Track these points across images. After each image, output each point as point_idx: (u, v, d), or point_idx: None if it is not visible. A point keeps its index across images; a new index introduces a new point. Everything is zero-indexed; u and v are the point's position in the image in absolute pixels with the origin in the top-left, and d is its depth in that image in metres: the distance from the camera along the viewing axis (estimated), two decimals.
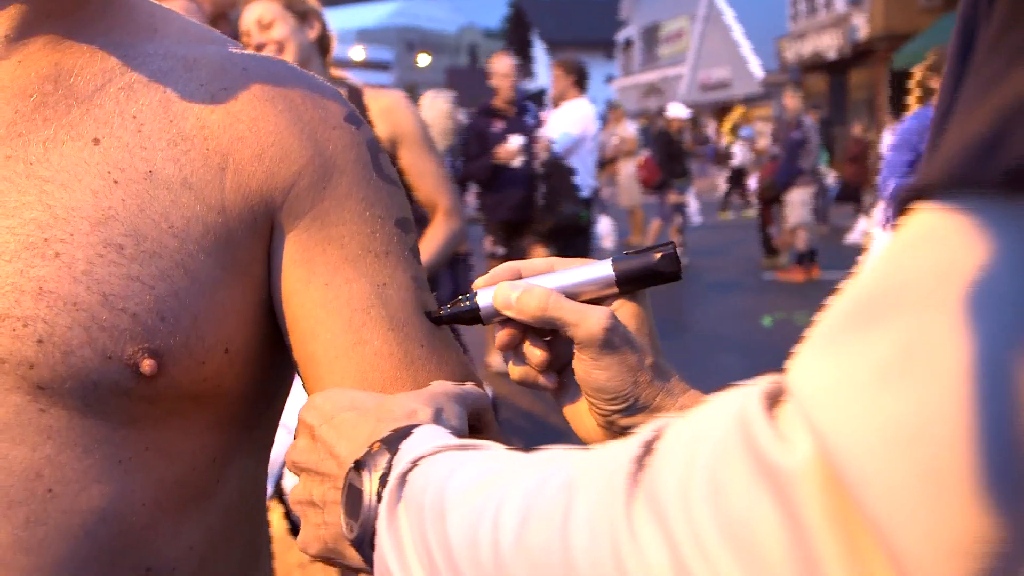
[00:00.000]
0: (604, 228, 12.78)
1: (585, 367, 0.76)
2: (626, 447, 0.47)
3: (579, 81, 6.89)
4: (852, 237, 14.28)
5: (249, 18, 2.75)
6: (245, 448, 0.88)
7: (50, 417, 0.74)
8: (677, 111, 13.08)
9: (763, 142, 15.02)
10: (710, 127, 30.29)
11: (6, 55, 0.78)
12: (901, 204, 0.38)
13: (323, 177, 0.83)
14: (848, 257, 11.90)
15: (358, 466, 0.66)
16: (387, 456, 0.65)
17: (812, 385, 0.37)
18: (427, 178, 2.92)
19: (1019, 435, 0.32)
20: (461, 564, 0.53)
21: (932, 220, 0.36)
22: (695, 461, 0.41)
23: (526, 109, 6.43)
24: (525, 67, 44.14)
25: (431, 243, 2.93)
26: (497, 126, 6.23)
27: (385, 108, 2.90)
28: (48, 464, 0.74)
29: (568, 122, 6.69)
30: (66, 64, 0.80)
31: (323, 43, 2.83)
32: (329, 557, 0.71)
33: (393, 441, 0.66)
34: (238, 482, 0.87)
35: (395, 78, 59.40)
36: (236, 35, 2.74)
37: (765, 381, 0.41)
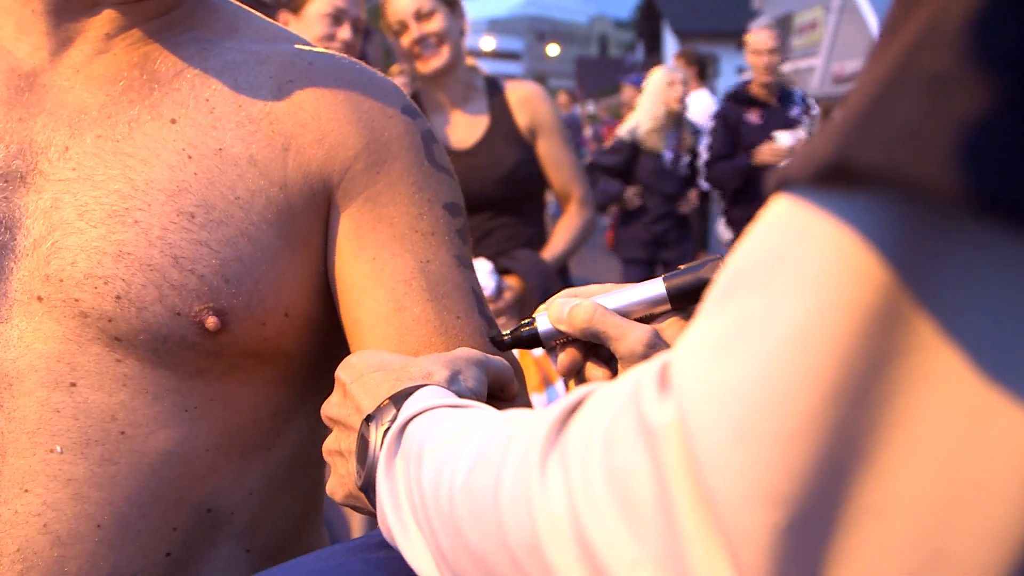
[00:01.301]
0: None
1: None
2: (558, 406, 0.50)
3: (701, 72, 6.80)
4: None
5: (404, 9, 2.77)
6: (305, 407, 0.95)
7: (125, 366, 0.82)
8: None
9: None
10: None
11: (105, 49, 0.88)
12: (769, 191, 0.41)
13: (377, 162, 0.90)
14: None
15: (368, 419, 0.72)
16: (393, 411, 0.71)
17: (679, 352, 0.41)
18: (563, 168, 2.95)
19: (816, 405, 0.35)
20: (429, 507, 0.58)
21: (781, 208, 0.39)
22: (599, 417, 0.45)
23: (791, 96, 5.38)
24: (655, 58, 43.87)
25: (564, 233, 2.98)
26: (754, 117, 5.14)
27: (524, 98, 2.93)
28: (122, 409, 0.82)
29: (691, 113, 6.62)
30: (153, 54, 0.89)
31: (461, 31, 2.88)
32: (352, 503, 0.77)
33: (400, 398, 0.72)
34: (297, 437, 0.95)
35: (525, 68, 59.67)
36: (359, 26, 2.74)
37: (673, 350, 0.44)
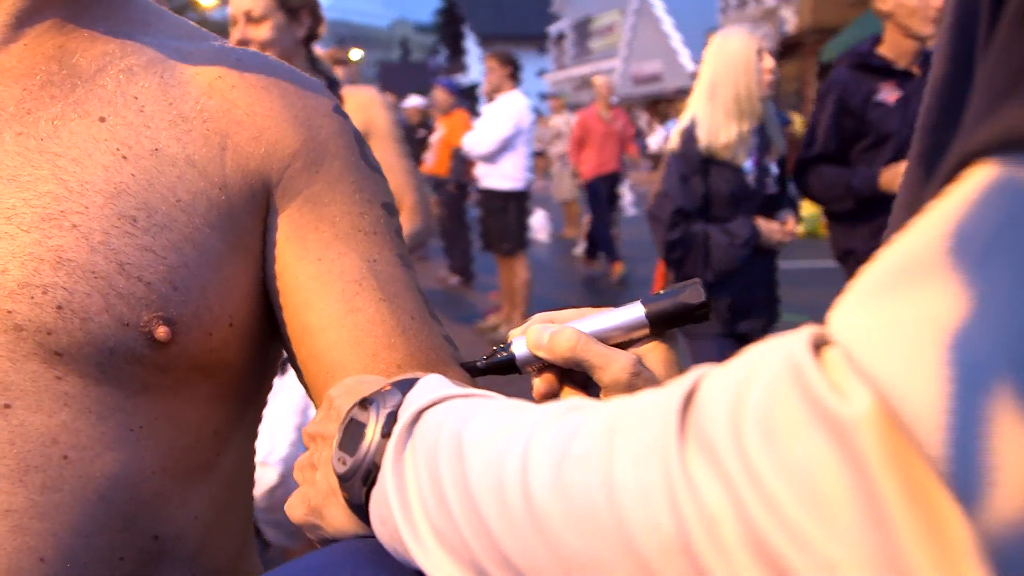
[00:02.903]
0: (538, 221, 12.81)
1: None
2: (668, 394, 0.47)
3: (514, 73, 6.89)
4: None
5: (239, 5, 2.71)
6: (242, 423, 0.92)
7: (66, 384, 0.76)
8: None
9: None
10: (642, 120, 30.49)
11: (14, 38, 0.83)
12: (955, 164, 0.39)
13: (316, 160, 0.88)
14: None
15: (364, 403, 0.67)
16: (398, 396, 0.66)
17: (863, 336, 0.37)
18: (395, 174, 2.92)
19: None
20: (484, 507, 0.53)
21: (997, 176, 0.37)
22: (744, 406, 0.41)
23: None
24: (458, 61, 44.10)
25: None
26: (889, 93, 3.34)
27: (361, 103, 2.92)
28: (64, 430, 0.76)
29: (502, 116, 6.70)
30: (68, 46, 0.84)
31: (311, 37, 2.83)
32: (309, 521, 0.73)
33: (404, 385, 0.67)
34: (236, 456, 0.91)
35: (310, 77, 59.03)
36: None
37: (806, 331, 0.41)
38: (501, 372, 0.81)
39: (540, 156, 13.51)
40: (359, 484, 0.65)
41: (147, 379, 0.79)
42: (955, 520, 0.35)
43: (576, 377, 0.79)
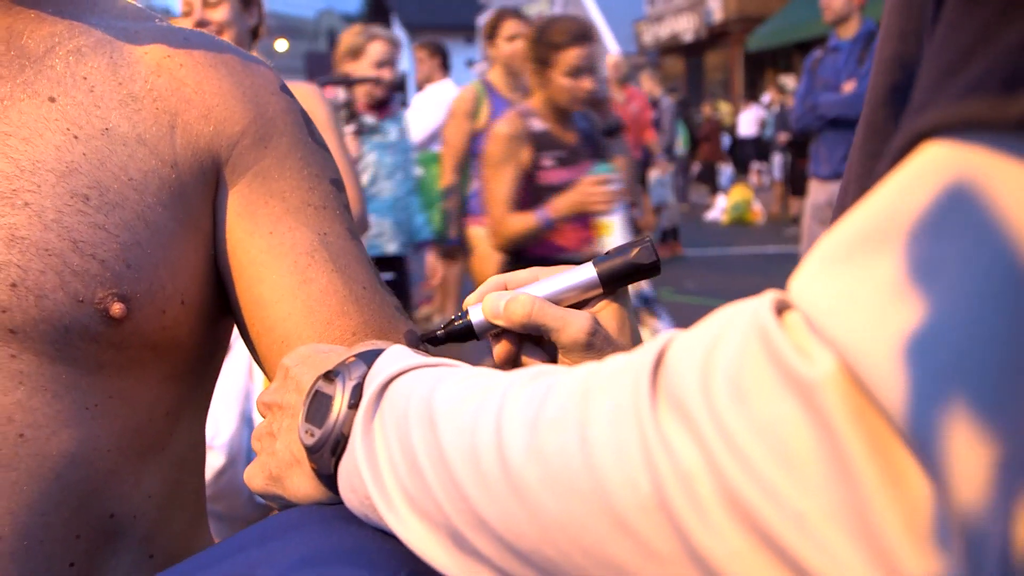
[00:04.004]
0: None
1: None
2: (639, 357, 0.48)
3: (444, 63, 6.87)
4: (711, 215, 14.61)
5: None
6: (193, 403, 0.92)
7: (21, 362, 0.76)
8: None
9: None
10: None
11: None
12: (907, 142, 0.42)
13: (265, 136, 0.89)
14: (709, 235, 12.15)
15: (329, 375, 0.69)
16: (363, 367, 0.67)
17: (823, 302, 0.40)
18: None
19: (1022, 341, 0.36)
20: (459, 472, 0.54)
21: (945, 154, 0.40)
22: (714, 367, 0.43)
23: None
24: None
25: None
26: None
27: (300, 96, 2.90)
28: (19, 409, 0.75)
29: (433, 106, 6.68)
30: (16, 27, 0.84)
31: (256, 31, 2.90)
32: (269, 490, 0.74)
33: (368, 356, 0.69)
34: (187, 436, 0.91)
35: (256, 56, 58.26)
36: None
37: (769, 295, 0.44)
38: (459, 340, 0.82)
39: None
40: (328, 455, 0.66)
41: (101, 357, 0.79)
42: (914, 472, 0.37)
43: (533, 340, 0.81)
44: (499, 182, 3.28)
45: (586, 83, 3.27)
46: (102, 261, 0.78)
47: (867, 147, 0.61)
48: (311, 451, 0.68)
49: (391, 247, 4.34)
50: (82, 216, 0.78)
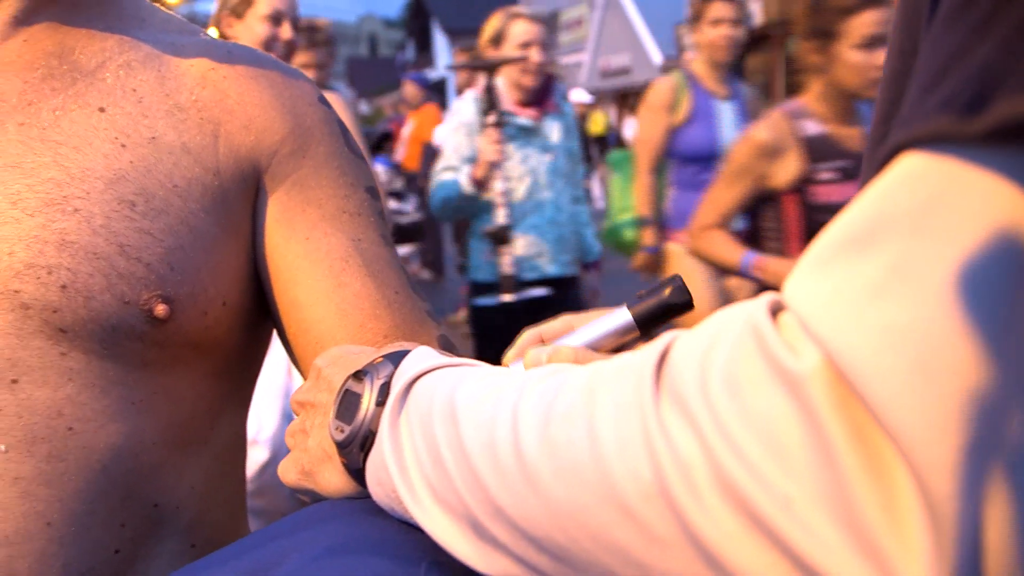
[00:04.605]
0: None
1: None
2: (642, 356, 0.51)
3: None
4: None
5: (290, 5, 2.91)
6: (234, 399, 0.96)
7: (71, 360, 0.80)
8: (579, 97, 13.19)
9: None
10: (611, 113, 30.50)
11: (12, 34, 0.87)
12: (889, 153, 0.45)
13: (303, 146, 0.93)
14: None
15: (358, 375, 0.72)
16: (390, 367, 0.70)
17: (811, 301, 0.43)
18: None
19: (995, 332, 0.39)
20: (479, 465, 0.57)
21: (921, 164, 0.43)
22: (711, 362, 0.46)
23: None
24: (425, 56, 43.99)
25: None
26: None
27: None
28: (69, 403, 0.80)
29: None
30: (68, 43, 0.88)
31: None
32: (302, 484, 0.76)
33: (395, 356, 0.71)
34: (228, 431, 0.95)
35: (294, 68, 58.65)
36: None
37: (766, 297, 0.47)
38: None
39: None
40: (357, 450, 0.69)
41: (146, 355, 0.83)
42: (892, 458, 0.40)
43: None
44: (725, 194, 2.82)
45: (880, 57, 2.50)
46: (147, 264, 0.82)
47: (871, 160, 0.63)
48: (341, 447, 0.71)
49: (552, 268, 3.72)
50: (129, 222, 0.82)
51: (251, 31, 2.81)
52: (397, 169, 7.06)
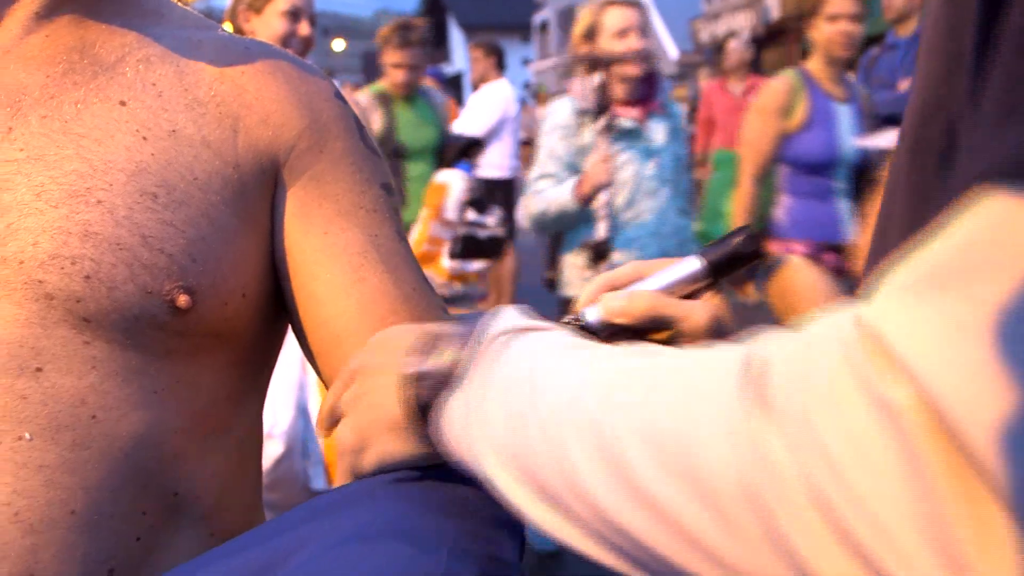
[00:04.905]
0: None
1: None
2: (732, 355, 0.52)
3: (499, 63, 6.91)
4: None
5: (303, 1, 2.92)
6: (253, 389, 0.97)
7: (94, 348, 0.81)
8: None
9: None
10: None
11: (35, 29, 0.88)
12: (970, 182, 0.45)
13: (320, 141, 0.95)
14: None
15: (435, 335, 0.71)
16: (474, 325, 0.70)
17: (905, 334, 0.43)
18: None
19: None
20: (561, 441, 0.57)
21: (1013, 203, 0.43)
22: (805, 378, 0.47)
23: None
24: (441, 51, 44.03)
25: None
26: None
27: None
28: (92, 392, 0.81)
29: (488, 104, 6.72)
30: (88, 38, 0.90)
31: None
32: (357, 446, 0.76)
33: (474, 318, 0.71)
34: (247, 420, 0.97)
35: (310, 63, 58.80)
36: None
37: (852, 312, 0.47)
38: None
39: (526, 145, 13.53)
40: (429, 390, 0.69)
41: (169, 344, 0.84)
42: (988, 495, 0.40)
43: (645, 337, 0.82)
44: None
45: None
46: (169, 255, 0.83)
47: (913, 162, 0.62)
48: (413, 380, 0.70)
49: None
50: (151, 213, 0.83)
51: (269, 26, 2.82)
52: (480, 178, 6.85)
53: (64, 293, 0.80)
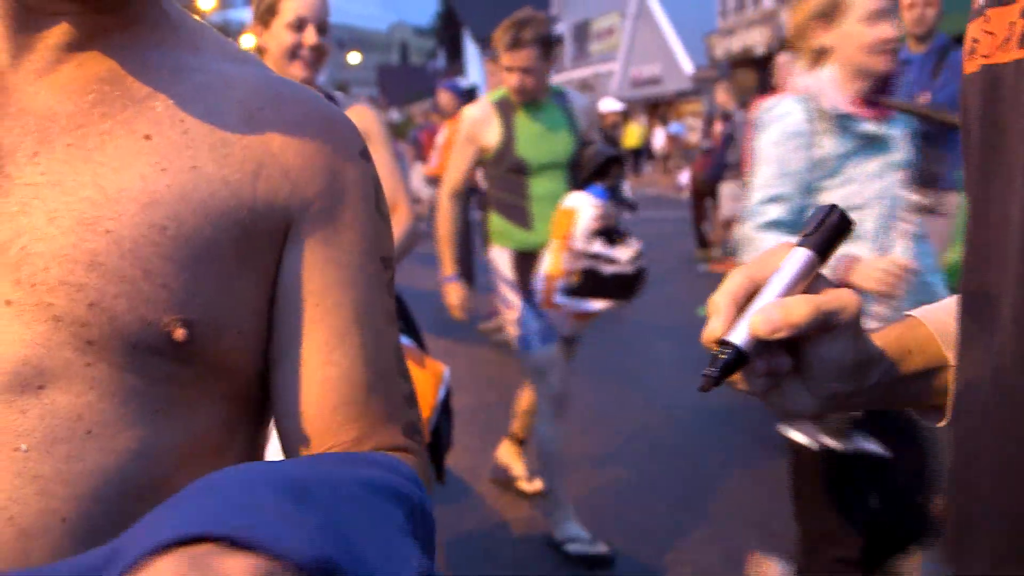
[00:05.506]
0: None
1: (845, 345, 0.78)
2: None
3: None
4: None
5: (314, 12, 2.91)
6: (249, 415, 0.99)
7: (95, 370, 0.84)
8: (610, 105, 13.20)
9: (694, 137, 15.17)
10: (642, 122, 30.45)
11: (66, 59, 0.89)
12: None
13: (334, 205, 0.96)
14: None
15: None
16: None
17: None
18: (387, 178, 3.04)
19: None
20: None
21: None
22: None
23: None
24: (456, 64, 44.08)
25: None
26: None
27: (355, 117, 3.06)
28: (89, 409, 0.84)
29: None
30: (121, 70, 0.91)
31: None
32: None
33: None
34: (244, 443, 0.98)
35: (326, 76, 59.02)
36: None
37: None
38: (734, 372, 0.77)
39: None
40: None
41: (167, 369, 0.88)
42: None
43: (786, 347, 0.80)
44: None
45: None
46: (170, 290, 0.86)
47: (987, 181, 0.62)
48: None
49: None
50: (156, 248, 0.85)
51: (277, 39, 2.86)
52: (621, 199, 6.03)
53: (70, 317, 0.83)
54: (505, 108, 3.95)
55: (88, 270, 0.83)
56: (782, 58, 7.01)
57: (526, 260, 3.93)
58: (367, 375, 0.95)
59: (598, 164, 3.91)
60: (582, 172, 3.94)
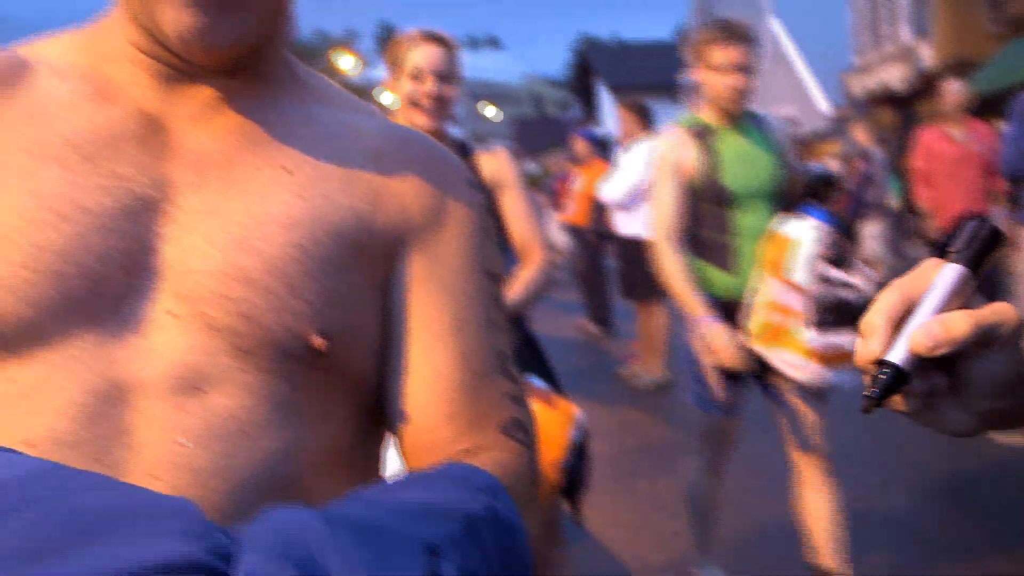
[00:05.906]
0: None
1: (1004, 360, 0.78)
2: None
3: (646, 122, 6.99)
4: None
5: (432, 63, 3.06)
6: (371, 423, 1.10)
7: (248, 375, 0.96)
8: None
9: None
10: None
11: (213, 109, 1.03)
12: None
13: (440, 223, 1.09)
14: None
15: None
16: None
17: None
18: (523, 220, 3.17)
19: None
20: None
21: None
22: None
23: None
24: (591, 113, 44.32)
25: (523, 283, 3.09)
26: None
27: (491, 156, 3.24)
28: (243, 411, 0.95)
29: (637, 164, 6.79)
30: (264, 120, 1.05)
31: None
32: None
33: None
34: (372, 446, 1.11)
35: (464, 130, 59.88)
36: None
37: None
38: (896, 391, 0.77)
39: None
40: None
41: (308, 377, 0.99)
42: None
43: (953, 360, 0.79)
44: None
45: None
46: (311, 303, 0.97)
47: None
48: None
49: None
50: (298, 265, 0.98)
51: (401, 89, 3.06)
52: (844, 227, 5.39)
53: (226, 328, 0.95)
54: (700, 132, 3.48)
55: (241, 285, 0.95)
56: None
57: (725, 311, 3.43)
58: (462, 376, 1.05)
59: (812, 185, 3.50)
60: (792, 197, 3.53)
